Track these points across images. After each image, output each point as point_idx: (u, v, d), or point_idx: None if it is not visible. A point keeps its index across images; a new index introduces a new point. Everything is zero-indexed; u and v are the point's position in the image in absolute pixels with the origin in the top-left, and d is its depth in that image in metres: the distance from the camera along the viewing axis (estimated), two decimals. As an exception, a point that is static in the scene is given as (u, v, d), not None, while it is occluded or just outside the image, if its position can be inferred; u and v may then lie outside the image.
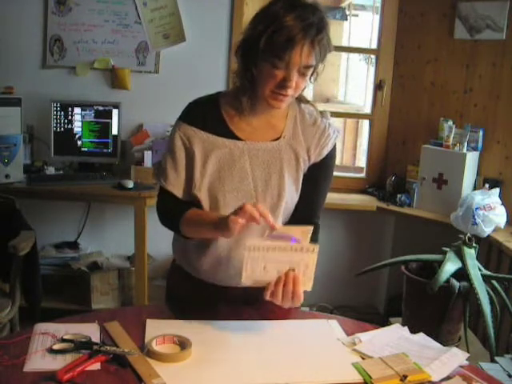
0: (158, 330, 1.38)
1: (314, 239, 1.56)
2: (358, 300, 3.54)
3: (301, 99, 1.55)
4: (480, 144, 3.06)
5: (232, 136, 1.50)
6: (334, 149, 1.55)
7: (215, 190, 1.49)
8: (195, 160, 1.48)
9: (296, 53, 1.32)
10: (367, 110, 3.98)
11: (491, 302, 2.29)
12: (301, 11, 1.32)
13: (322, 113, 1.56)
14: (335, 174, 1.63)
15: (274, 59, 1.34)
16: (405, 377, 1.24)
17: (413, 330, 1.50)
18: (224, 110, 1.51)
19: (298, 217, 1.55)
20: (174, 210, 1.52)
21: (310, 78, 1.44)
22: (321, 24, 1.33)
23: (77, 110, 3.17)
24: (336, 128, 1.56)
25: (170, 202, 1.54)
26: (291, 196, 1.53)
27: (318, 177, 1.55)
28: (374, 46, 3.55)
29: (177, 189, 1.52)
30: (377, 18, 3.74)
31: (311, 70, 1.38)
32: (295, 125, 1.52)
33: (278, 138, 1.51)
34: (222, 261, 1.53)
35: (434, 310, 2.41)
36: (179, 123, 1.52)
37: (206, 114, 1.50)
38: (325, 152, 1.53)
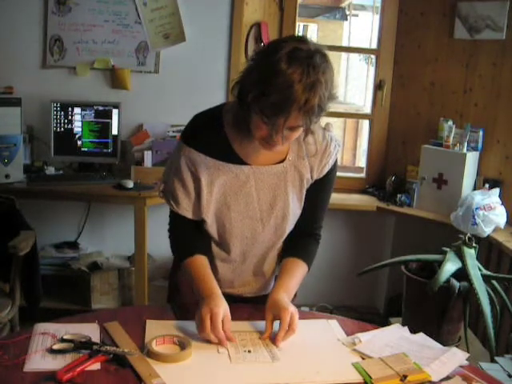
0: (157, 330, 1.38)
1: (311, 250, 1.61)
2: (357, 300, 3.54)
3: None
4: (480, 144, 3.05)
5: (237, 160, 1.48)
6: (335, 163, 1.56)
7: (222, 215, 1.52)
8: (201, 186, 1.48)
9: (281, 119, 1.26)
10: (367, 110, 3.98)
11: (491, 302, 2.29)
12: (295, 72, 1.22)
13: (324, 127, 1.55)
14: (335, 174, 1.64)
15: (261, 115, 1.28)
16: (405, 377, 1.24)
17: (413, 330, 1.50)
18: (228, 131, 1.47)
19: (300, 228, 1.60)
20: (187, 241, 1.55)
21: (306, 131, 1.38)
22: (314, 88, 1.24)
23: (77, 110, 3.16)
24: (337, 141, 1.56)
25: (184, 226, 1.56)
26: (294, 214, 1.56)
27: (319, 191, 1.57)
28: (374, 45, 3.55)
29: (190, 213, 1.53)
30: (377, 18, 3.74)
31: (301, 127, 1.33)
32: (299, 146, 1.51)
33: (283, 160, 1.51)
34: (225, 281, 1.61)
35: (433, 310, 2.40)
36: (183, 146, 1.49)
37: (210, 138, 1.47)
38: (326, 170, 1.54)
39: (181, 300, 1.64)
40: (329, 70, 1.28)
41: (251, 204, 1.51)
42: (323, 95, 1.26)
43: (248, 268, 1.61)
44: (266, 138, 1.34)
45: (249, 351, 1.34)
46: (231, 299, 1.55)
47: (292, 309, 1.40)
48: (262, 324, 1.44)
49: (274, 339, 1.38)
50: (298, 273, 1.55)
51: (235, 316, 1.44)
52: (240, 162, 1.49)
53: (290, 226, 1.56)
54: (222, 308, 1.38)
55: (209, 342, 1.36)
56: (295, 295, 1.58)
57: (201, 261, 1.52)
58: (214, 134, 1.47)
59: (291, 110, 1.25)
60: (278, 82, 1.23)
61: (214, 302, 1.39)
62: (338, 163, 1.60)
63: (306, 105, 1.24)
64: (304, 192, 1.55)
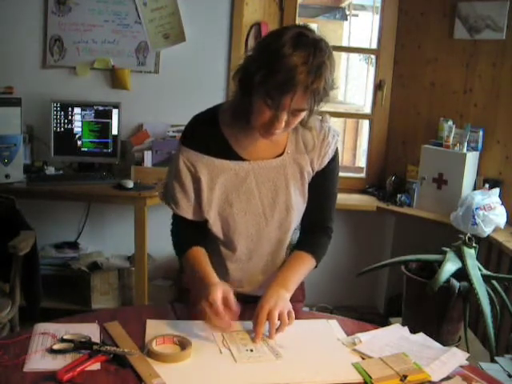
0: (157, 330, 1.38)
1: (319, 243, 1.60)
2: (357, 300, 3.54)
3: None
4: (480, 144, 3.05)
5: (236, 157, 1.49)
6: (335, 153, 1.55)
7: (225, 213, 1.52)
8: (202, 186, 1.49)
9: (287, 98, 1.28)
10: (367, 110, 3.98)
11: (491, 302, 2.29)
12: (302, 53, 1.26)
13: (321, 118, 1.54)
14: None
15: (265, 97, 1.30)
16: (405, 377, 1.24)
17: (413, 330, 1.50)
18: (224, 129, 1.48)
19: (311, 223, 1.60)
20: (186, 238, 1.55)
21: (306, 117, 1.40)
22: (320, 70, 1.27)
23: (77, 110, 3.16)
24: (335, 131, 1.55)
25: (184, 225, 1.56)
26: (298, 208, 1.55)
27: (323, 183, 1.57)
28: (374, 45, 3.55)
29: (190, 214, 1.53)
30: (377, 17, 3.73)
31: (304, 112, 1.35)
32: (297, 138, 1.51)
33: (281, 153, 1.51)
34: (235, 281, 1.59)
35: (433, 310, 2.41)
36: (182, 147, 1.50)
37: (207, 138, 1.48)
38: (326, 160, 1.54)
39: (191, 299, 1.63)
40: (332, 58, 1.32)
41: (253, 199, 1.51)
42: (328, 79, 1.30)
43: (256, 266, 1.59)
44: (268, 123, 1.35)
45: (251, 350, 1.34)
46: (243, 299, 1.55)
47: (268, 306, 1.39)
48: None
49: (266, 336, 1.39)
50: (300, 265, 1.54)
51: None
52: (239, 158, 1.49)
53: (294, 220, 1.55)
54: (218, 294, 1.36)
55: (210, 341, 1.36)
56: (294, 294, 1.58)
57: (197, 251, 1.52)
58: (211, 133, 1.48)
59: (297, 90, 1.27)
60: (284, 62, 1.26)
61: (209, 290, 1.38)
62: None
63: (312, 85, 1.27)
64: (306, 186, 1.54)
